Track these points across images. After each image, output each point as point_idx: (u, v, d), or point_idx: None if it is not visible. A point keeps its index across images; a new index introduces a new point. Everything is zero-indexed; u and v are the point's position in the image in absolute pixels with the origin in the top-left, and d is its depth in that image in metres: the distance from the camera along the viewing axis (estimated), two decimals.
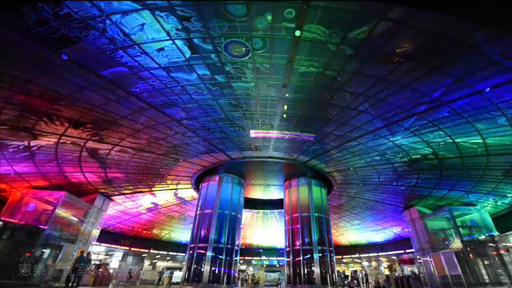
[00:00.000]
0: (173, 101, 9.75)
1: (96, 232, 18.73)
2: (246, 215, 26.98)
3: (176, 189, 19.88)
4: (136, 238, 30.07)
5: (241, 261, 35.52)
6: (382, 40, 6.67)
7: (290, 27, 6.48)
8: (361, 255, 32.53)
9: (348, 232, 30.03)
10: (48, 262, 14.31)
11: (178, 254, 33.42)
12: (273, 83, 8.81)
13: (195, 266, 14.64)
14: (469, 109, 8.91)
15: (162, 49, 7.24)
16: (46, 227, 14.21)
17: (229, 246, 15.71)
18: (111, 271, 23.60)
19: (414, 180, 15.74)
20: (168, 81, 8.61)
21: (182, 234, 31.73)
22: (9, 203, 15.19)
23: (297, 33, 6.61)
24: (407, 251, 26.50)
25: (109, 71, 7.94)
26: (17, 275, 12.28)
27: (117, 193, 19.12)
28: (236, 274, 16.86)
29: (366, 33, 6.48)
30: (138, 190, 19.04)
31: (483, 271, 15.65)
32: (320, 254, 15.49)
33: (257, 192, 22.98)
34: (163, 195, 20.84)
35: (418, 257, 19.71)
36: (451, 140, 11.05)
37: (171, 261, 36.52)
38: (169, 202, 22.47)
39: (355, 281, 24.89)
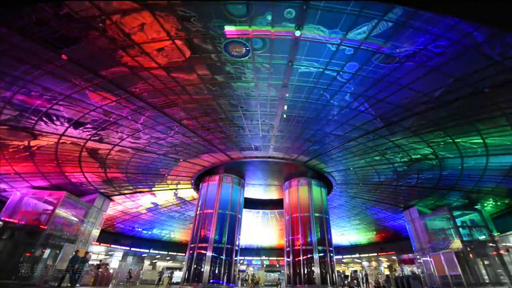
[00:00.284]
0: (173, 101, 9.75)
1: (96, 232, 18.73)
2: (246, 215, 26.97)
3: (176, 189, 19.88)
4: (136, 238, 30.07)
5: (241, 261, 35.50)
6: (382, 40, 6.67)
7: (290, 27, 6.48)
8: (361, 255, 32.53)
9: (348, 232, 30.03)
10: (48, 262, 14.31)
11: (178, 254, 33.41)
12: (273, 83, 8.81)
13: (195, 266, 14.64)
14: (469, 109, 8.91)
15: (162, 49, 7.24)
16: (46, 227, 14.20)
17: (229, 246, 15.71)
18: (111, 271, 23.59)
19: (414, 180, 15.75)
20: (168, 81, 8.61)
21: (182, 234, 31.74)
22: (9, 203, 15.18)
23: (297, 33, 6.61)
24: (407, 251, 26.46)
25: (109, 71, 7.94)
26: (17, 275, 12.28)
27: (117, 193, 19.12)
28: (236, 274, 16.86)
29: (366, 33, 6.48)
30: (138, 190, 19.04)
31: (483, 271, 15.65)
32: (320, 254, 15.49)
33: (257, 192, 22.98)
34: (163, 195, 20.84)
35: (418, 257, 19.70)
36: (451, 140, 11.05)
37: (171, 261, 36.51)
38: (169, 202, 22.47)
39: (355, 281, 24.88)
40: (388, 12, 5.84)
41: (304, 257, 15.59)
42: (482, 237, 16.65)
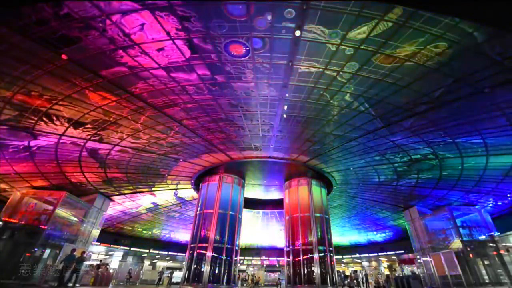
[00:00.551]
0: (173, 101, 9.75)
1: (96, 232, 18.73)
2: (246, 215, 26.97)
3: (176, 189, 19.89)
4: (136, 238, 30.08)
5: (241, 261, 35.50)
6: (382, 40, 6.67)
7: (290, 27, 6.48)
8: (361, 255, 32.53)
9: (348, 232, 30.04)
10: (48, 262, 14.30)
11: (178, 254, 33.42)
12: (273, 83, 8.81)
13: (195, 266, 14.64)
14: (469, 109, 8.91)
15: (162, 49, 7.24)
16: (46, 227, 14.20)
17: (229, 246, 15.71)
18: (111, 271, 23.59)
19: (414, 180, 15.75)
20: (168, 81, 8.61)
21: (182, 234, 31.74)
22: (9, 203, 15.18)
23: (297, 33, 6.61)
24: (407, 251, 26.48)
25: (109, 71, 7.94)
26: (17, 275, 12.28)
27: (117, 193, 19.12)
28: (236, 274, 16.86)
29: (366, 33, 6.48)
30: (138, 190, 19.04)
31: (483, 271, 15.65)
32: (320, 254, 15.49)
33: (257, 192, 22.98)
34: (163, 195, 20.84)
35: (418, 257, 19.70)
36: (451, 140, 11.05)
37: (171, 261, 36.52)
38: (169, 202, 22.47)
39: (355, 281, 24.88)
40: (388, 12, 5.84)
41: (304, 257, 15.59)
42: (482, 237, 16.65)
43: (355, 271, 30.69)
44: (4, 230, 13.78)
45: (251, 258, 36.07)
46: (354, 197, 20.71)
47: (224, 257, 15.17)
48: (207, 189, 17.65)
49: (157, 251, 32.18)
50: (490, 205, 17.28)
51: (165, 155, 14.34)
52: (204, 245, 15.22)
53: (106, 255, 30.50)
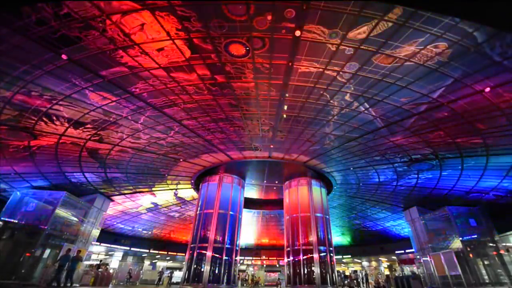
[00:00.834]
0: (173, 101, 9.75)
1: (96, 232, 18.74)
2: (246, 215, 26.97)
3: (176, 189, 19.89)
4: (136, 238, 30.07)
5: (241, 261, 35.49)
6: (382, 40, 6.67)
7: (290, 27, 6.48)
8: (361, 255, 32.51)
9: (348, 232, 30.04)
10: (48, 262, 14.31)
11: (178, 254, 33.40)
12: (273, 83, 8.81)
13: (195, 266, 14.64)
14: (469, 109, 8.91)
15: (162, 49, 7.24)
16: (46, 227, 14.20)
17: (229, 246, 15.71)
18: (111, 271, 23.58)
19: (414, 180, 15.75)
20: (168, 81, 8.61)
21: (182, 234, 31.74)
22: (9, 203, 15.18)
23: (297, 33, 6.61)
24: (407, 251, 26.47)
25: (109, 71, 7.94)
26: (17, 275, 12.28)
27: (117, 193, 19.12)
28: (236, 274, 16.86)
29: (366, 33, 6.48)
30: (138, 190, 19.04)
31: (483, 271, 15.64)
32: (320, 254, 15.49)
33: (257, 192, 22.98)
34: (163, 195, 20.84)
35: (418, 257, 19.70)
36: (451, 140, 11.05)
37: (171, 261, 36.50)
38: (169, 202, 22.47)
39: (355, 281, 24.88)
40: (388, 12, 5.84)
41: (304, 257, 15.60)
42: (482, 237, 16.65)
43: (355, 271, 30.70)
44: (4, 230, 13.78)
45: (251, 258, 36.04)
46: (354, 197, 20.71)
47: (224, 257, 15.17)
48: (207, 189, 17.66)
49: (157, 251, 32.17)
50: (490, 205, 17.27)
51: (165, 155, 14.34)
52: (204, 245, 15.22)
53: (106, 255, 30.49)
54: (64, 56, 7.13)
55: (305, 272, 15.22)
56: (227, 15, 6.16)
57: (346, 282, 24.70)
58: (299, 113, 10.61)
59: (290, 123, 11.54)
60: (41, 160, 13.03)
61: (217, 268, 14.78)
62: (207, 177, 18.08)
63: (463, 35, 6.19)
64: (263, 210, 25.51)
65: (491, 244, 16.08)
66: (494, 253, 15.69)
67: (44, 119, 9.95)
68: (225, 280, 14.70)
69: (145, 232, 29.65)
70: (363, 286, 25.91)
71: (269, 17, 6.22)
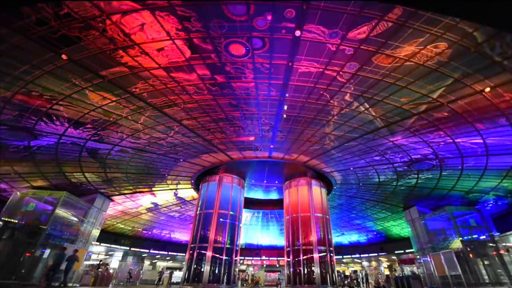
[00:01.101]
0: (173, 101, 9.75)
1: (96, 232, 18.74)
2: (246, 215, 26.98)
3: (176, 189, 19.89)
4: (136, 238, 30.08)
5: (241, 261, 35.50)
6: (382, 40, 6.67)
7: (290, 27, 6.48)
8: (361, 255, 32.52)
9: (348, 232, 30.04)
10: (48, 262, 14.30)
11: (178, 254, 33.41)
12: (273, 83, 8.81)
13: (195, 266, 14.64)
14: (469, 109, 8.91)
15: (162, 49, 7.24)
16: (46, 227, 14.20)
17: (229, 246, 15.71)
18: (111, 271, 23.58)
19: (414, 180, 15.75)
20: (168, 81, 8.62)
21: (182, 234, 31.74)
22: (9, 203, 15.18)
23: (297, 33, 6.61)
24: (407, 251, 26.48)
25: (109, 71, 7.94)
26: (17, 275, 12.27)
27: (117, 193, 19.12)
28: (236, 274, 16.87)
29: (366, 33, 6.48)
30: (138, 190, 19.04)
31: (483, 271, 15.65)
32: (320, 254, 15.49)
33: (257, 192, 22.98)
34: (163, 195, 20.84)
35: (418, 257, 19.70)
36: (451, 140, 11.05)
37: (171, 261, 36.50)
38: (169, 202, 22.47)
39: (355, 281, 24.88)
40: (388, 12, 5.84)
41: (304, 257, 15.60)
42: (482, 237, 16.65)
43: (355, 271, 30.71)
44: (4, 230, 13.78)
45: (251, 258, 36.04)
46: (354, 197, 20.71)
47: (224, 257, 15.17)
48: (207, 189, 17.66)
49: (157, 251, 32.18)
50: (490, 205, 17.28)
51: (165, 155, 14.33)
52: (204, 245, 15.22)
53: (106, 255, 30.49)
54: (64, 56, 7.13)
55: (305, 272, 15.22)
56: (227, 15, 6.16)
57: (346, 282, 24.70)
58: (299, 113, 10.61)
59: (290, 123, 11.54)
60: (41, 160, 13.03)
61: (217, 268, 14.78)
62: (207, 177, 18.08)
63: (463, 35, 6.19)
64: (263, 210, 25.52)
65: (491, 244, 16.08)
66: (494, 253, 15.69)
67: (44, 119, 9.95)
68: (225, 280, 14.70)
69: (145, 232, 29.65)
70: (363, 286, 25.91)
71: (269, 17, 6.22)
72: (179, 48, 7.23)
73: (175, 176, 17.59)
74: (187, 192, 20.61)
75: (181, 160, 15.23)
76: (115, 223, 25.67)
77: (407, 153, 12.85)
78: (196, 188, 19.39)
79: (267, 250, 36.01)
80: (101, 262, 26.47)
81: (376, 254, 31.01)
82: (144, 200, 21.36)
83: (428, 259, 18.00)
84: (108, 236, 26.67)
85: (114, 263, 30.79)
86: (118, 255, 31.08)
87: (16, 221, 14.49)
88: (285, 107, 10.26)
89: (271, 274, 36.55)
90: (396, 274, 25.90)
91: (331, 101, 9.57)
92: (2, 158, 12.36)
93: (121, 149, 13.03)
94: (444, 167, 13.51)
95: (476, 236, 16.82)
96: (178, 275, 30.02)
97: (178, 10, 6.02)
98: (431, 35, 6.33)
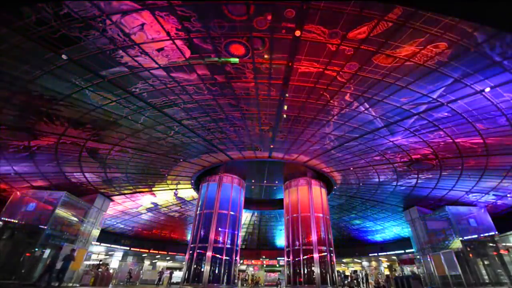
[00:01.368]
0: (173, 101, 9.75)
1: (96, 232, 18.73)
2: (246, 215, 26.99)
3: (176, 189, 19.89)
4: (136, 238, 30.07)
5: (241, 261, 35.48)
6: (382, 40, 6.67)
7: (290, 27, 6.48)
8: (361, 255, 32.51)
9: (348, 232, 30.03)
10: (48, 262, 14.30)
11: (178, 254, 33.40)
12: (273, 83, 8.81)
13: (195, 266, 14.65)
14: (469, 109, 8.91)
15: (162, 49, 7.24)
16: (46, 227, 14.20)
17: (229, 246, 15.71)
18: (111, 271, 23.58)
19: (414, 180, 15.74)
20: (168, 81, 8.61)
21: (182, 234, 31.74)
22: (9, 203, 15.18)
23: (297, 33, 6.61)
24: (407, 251, 26.47)
25: (109, 71, 7.94)
26: (17, 275, 12.27)
27: (117, 193, 19.12)
28: (236, 274, 16.87)
29: (366, 33, 6.48)
30: (138, 190, 19.04)
31: (483, 271, 15.64)
32: (320, 254, 15.49)
33: (257, 192, 22.98)
34: (163, 195, 20.84)
35: (418, 257, 19.70)
36: (451, 140, 11.05)
37: (171, 261, 36.48)
38: (169, 202, 22.47)
39: (355, 281, 24.88)
40: (388, 12, 5.84)
41: (304, 257, 15.60)
42: (482, 237, 16.64)
43: (355, 271, 30.70)
44: (4, 230, 13.78)
45: (251, 258, 36.02)
46: (354, 197, 20.70)
47: (224, 257, 15.17)
48: (207, 189, 17.66)
49: (157, 251, 32.17)
50: (490, 205, 17.28)
51: (165, 155, 14.33)
52: (204, 245, 15.23)
53: (106, 255, 30.48)
54: (64, 56, 7.13)
55: (305, 272, 15.22)
56: (227, 15, 6.16)
57: (346, 282, 24.70)
58: (299, 113, 10.61)
59: (290, 123, 11.54)
60: (41, 160, 13.03)
61: (217, 268, 14.78)
62: (207, 177, 18.09)
63: (463, 35, 6.19)
64: (263, 210, 25.52)
65: (491, 244, 16.07)
66: (494, 253, 15.69)
67: (44, 119, 9.95)
68: (225, 280, 14.70)
69: (145, 232, 29.64)
70: (363, 286, 25.90)
71: (269, 17, 6.22)
72: (179, 48, 7.23)
73: (175, 176, 17.59)
74: (187, 192, 20.61)
75: (181, 160, 15.23)
76: (115, 223, 25.67)
77: (407, 153, 12.85)
78: (196, 188, 19.38)
79: (267, 250, 36.00)
80: (101, 262, 26.46)
81: (376, 254, 31.01)
82: (144, 200, 21.36)
83: (428, 259, 18.00)
84: (108, 236, 26.65)
85: (114, 263, 30.78)
86: (118, 255, 31.06)
87: (16, 221, 14.49)
88: (285, 107, 10.26)
89: (271, 274, 36.55)
90: (396, 274, 25.91)
91: (331, 101, 9.57)
92: (2, 158, 12.36)
93: (121, 149, 13.03)
94: (444, 167, 13.51)
95: (476, 236, 16.81)
96: (178, 275, 30.03)
97: (178, 10, 6.02)
98: (431, 35, 6.33)
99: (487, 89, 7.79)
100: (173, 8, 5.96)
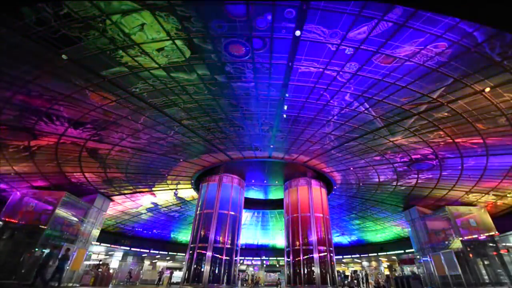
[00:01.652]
0: (173, 101, 9.75)
1: (96, 232, 18.73)
2: (246, 215, 26.99)
3: (176, 189, 19.89)
4: (136, 238, 30.08)
5: (241, 261, 35.48)
6: (382, 40, 6.67)
7: (290, 27, 6.48)
8: (361, 255, 32.53)
9: (349, 232, 30.04)
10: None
11: (178, 254, 33.42)
12: (273, 83, 8.81)
13: (195, 266, 14.65)
14: (469, 109, 8.91)
15: (162, 49, 7.24)
16: (46, 227, 14.20)
17: (229, 246, 15.71)
18: (111, 271, 23.59)
19: (414, 180, 15.74)
20: (168, 81, 8.62)
21: (182, 234, 31.74)
22: (9, 203, 15.18)
23: (297, 33, 6.61)
24: (407, 251, 26.48)
25: (109, 71, 7.94)
26: (17, 275, 12.26)
27: (117, 193, 19.12)
28: (236, 274, 16.87)
29: (366, 33, 6.48)
30: (138, 190, 19.04)
31: (483, 271, 15.65)
32: (320, 254, 15.49)
33: (257, 192, 22.98)
34: (163, 195, 20.84)
35: (418, 257, 19.70)
36: (451, 140, 11.05)
37: (171, 261, 36.50)
38: (169, 202, 22.47)
39: (355, 281, 24.89)
40: (388, 12, 5.84)
41: (304, 257, 15.60)
42: (482, 237, 16.65)
43: (355, 271, 30.70)
44: (4, 230, 13.78)
45: (251, 258, 36.04)
46: (354, 197, 20.70)
47: (224, 257, 15.18)
48: (207, 189, 17.67)
49: (157, 251, 32.18)
50: (490, 205, 17.27)
51: (165, 155, 14.33)
52: (204, 245, 15.23)
53: (106, 255, 30.49)
54: (64, 56, 7.13)
55: (305, 272, 15.22)
56: (227, 15, 6.16)
57: (346, 282, 24.70)
58: (299, 113, 10.61)
59: (290, 123, 11.54)
60: (41, 160, 13.03)
61: (217, 268, 14.78)
62: (207, 177, 18.09)
63: (463, 35, 6.19)
64: (263, 210, 25.52)
65: (491, 244, 16.08)
66: (494, 253, 15.69)
67: (44, 119, 9.95)
68: (225, 280, 14.70)
69: (145, 232, 29.65)
70: (363, 286, 25.91)
71: (269, 17, 6.22)
72: (179, 48, 7.23)
73: (175, 176, 17.59)
74: (187, 192, 20.61)
75: (181, 160, 15.23)
76: (115, 222, 25.67)
77: (407, 153, 12.85)
78: (196, 188, 19.38)
79: (267, 250, 36.02)
80: (101, 262, 26.48)
81: (376, 254, 31.03)
82: (144, 200, 21.36)
83: (428, 259, 18.00)
84: (108, 236, 26.66)
85: (114, 263, 30.79)
86: (118, 255, 31.07)
87: (16, 221, 14.48)
88: (285, 107, 10.26)
89: (271, 274, 36.56)
90: (396, 274, 25.92)
91: (331, 101, 9.57)
92: (2, 158, 12.36)
93: (121, 149, 13.03)
94: (444, 167, 13.51)
95: (476, 236, 16.81)
96: (178, 275, 30.04)
97: (178, 10, 6.02)
98: (431, 35, 6.33)
99: (487, 89, 7.78)
100: (173, 8, 5.96)
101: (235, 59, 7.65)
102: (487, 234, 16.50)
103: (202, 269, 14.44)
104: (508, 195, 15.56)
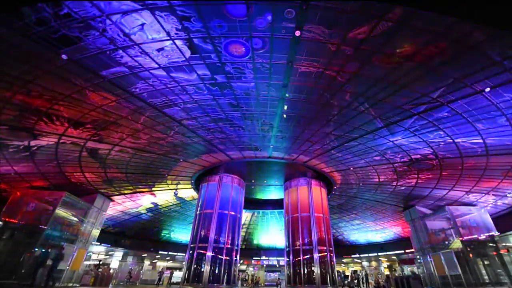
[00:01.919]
0: (173, 101, 9.75)
1: (96, 232, 18.73)
2: (246, 215, 26.99)
3: (176, 189, 19.89)
4: (136, 238, 30.06)
5: (241, 261, 35.48)
6: (382, 40, 6.67)
7: (290, 27, 6.48)
8: (361, 255, 32.52)
9: (348, 232, 30.04)
10: (48, 262, 14.28)
11: (178, 254, 33.41)
12: (273, 83, 8.81)
13: (195, 266, 14.65)
14: (469, 109, 8.91)
15: (162, 49, 7.24)
16: (46, 227, 14.19)
17: (229, 246, 15.71)
18: (111, 271, 23.58)
19: (414, 180, 15.74)
20: (168, 81, 8.62)
21: (182, 234, 31.74)
22: (9, 203, 15.17)
23: (297, 33, 6.61)
24: (407, 251, 26.48)
25: (109, 71, 7.94)
26: (17, 275, 12.26)
27: (117, 193, 19.12)
28: (236, 274, 16.87)
29: (366, 33, 6.48)
30: (138, 190, 19.04)
31: (483, 271, 15.65)
32: (320, 254, 15.49)
33: (257, 192, 22.98)
34: (163, 195, 20.84)
35: (418, 257, 19.70)
36: (451, 140, 11.05)
37: (171, 261, 36.49)
38: (169, 202, 22.48)
39: (355, 281, 24.89)
40: (388, 12, 5.84)
41: (304, 257, 15.60)
42: (482, 237, 16.65)
43: (355, 271, 30.70)
44: (4, 230, 13.77)
45: (251, 258, 36.04)
46: (354, 197, 20.70)
47: (224, 257, 15.17)
48: (207, 189, 17.67)
49: (157, 251, 32.18)
50: (490, 205, 17.27)
51: (165, 155, 14.33)
52: (204, 245, 15.23)
53: (106, 255, 30.48)
54: (64, 56, 7.13)
55: (305, 272, 15.22)
56: (227, 15, 6.16)
57: (346, 282, 24.69)
58: (299, 113, 10.61)
59: (290, 123, 11.54)
60: (41, 160, 13.03)
61: (217, 268, 14.78)
62: (207, 177, 18.09)
63: (463, 35, 6.19)
64: (263, 210, 25.52)
65: (491, 244, 16.08)
66: (494, 253, 15.69)
67: (44, 119, 9.95)
68: (225, 280, 14.71)
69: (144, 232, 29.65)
70: (363, 286, 25.91)
71: (269, 17, 6.22)
72: (179, 48, 7.23)
73: (175, 176, 17.59)
74: (187, 192, 20.61)
75: (181, 160, 15.23)
76: (115, 223, 25.65)
77: (407, 153, 12.85)
78: (196, 188, 19.38)
79: (267, 250, 36.01)
80: (101, 262, 26.47)
81: (376, 254, 31.02)
82: (144, 200, 21.36)
83: (428, 259, 18.01)
84: (108, 236, 26.65)
85: (114, 263, 30.77)
86: (118, 255, 31.06)
87: (16, 221, 14.48)
88: (285, 107, 10.26)
89: (271, 274, 36.56)
90: (396, 274, 25.92)
91: (331, 101, 9.57)
92: (2, 158, 12.35)
93: (121, 149, 13.03)
94: (444, 167, 13.51)
95: (476, 236, 16.81)
96: (178, 275, 30.03)
97: (178, 10, 6.02)
98: (431, 35, 6.33)
99: (487, 89, 7.78)
100: (173, 8, 5.96)
101: (235, 59, 7.65)
102: (487, 234, 16.50)
103: (202, 269, 14.45)
104: (508, 195, 15.56)
